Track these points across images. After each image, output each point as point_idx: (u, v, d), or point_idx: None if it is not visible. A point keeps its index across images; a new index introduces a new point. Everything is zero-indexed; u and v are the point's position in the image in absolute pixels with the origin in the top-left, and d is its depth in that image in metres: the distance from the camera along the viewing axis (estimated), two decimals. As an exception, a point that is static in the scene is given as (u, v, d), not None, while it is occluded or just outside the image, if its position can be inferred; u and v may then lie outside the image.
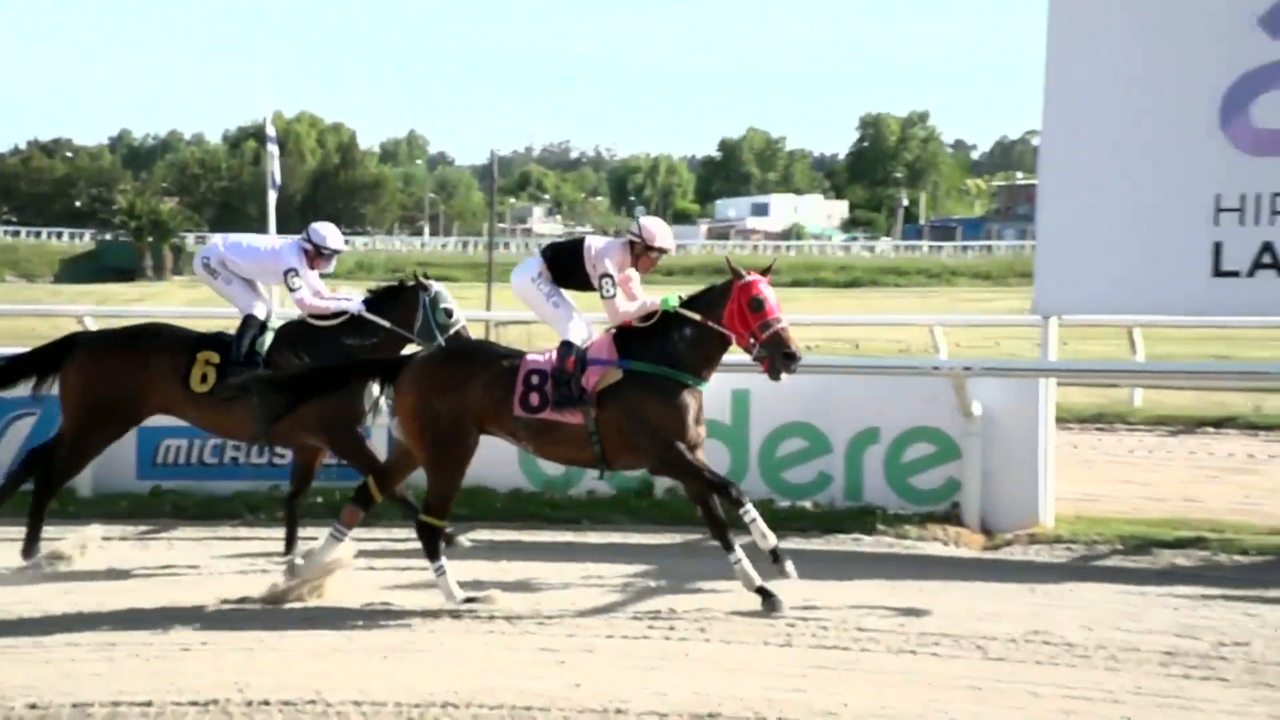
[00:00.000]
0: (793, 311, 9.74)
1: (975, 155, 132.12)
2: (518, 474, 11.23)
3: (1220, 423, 15.52)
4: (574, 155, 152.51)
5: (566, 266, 9.02)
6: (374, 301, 10.08)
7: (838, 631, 8.01)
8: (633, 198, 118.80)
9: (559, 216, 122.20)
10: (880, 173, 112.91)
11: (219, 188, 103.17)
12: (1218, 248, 10.52)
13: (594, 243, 9.06)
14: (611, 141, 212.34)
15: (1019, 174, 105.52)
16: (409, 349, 9.83)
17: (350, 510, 8.92)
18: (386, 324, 9.92)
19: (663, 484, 11.37)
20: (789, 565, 8.36)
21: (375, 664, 7.32)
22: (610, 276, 8.82)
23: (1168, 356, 17.90)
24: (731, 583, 8.79)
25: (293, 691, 6.71)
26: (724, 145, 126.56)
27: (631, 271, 8.91)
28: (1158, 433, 15.66)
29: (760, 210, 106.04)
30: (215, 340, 9.97)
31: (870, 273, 59.73)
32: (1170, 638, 7.81)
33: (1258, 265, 10.46)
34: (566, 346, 8.73)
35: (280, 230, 14.64)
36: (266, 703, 6.59)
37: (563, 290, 9.02)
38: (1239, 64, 10.40)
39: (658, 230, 9.05)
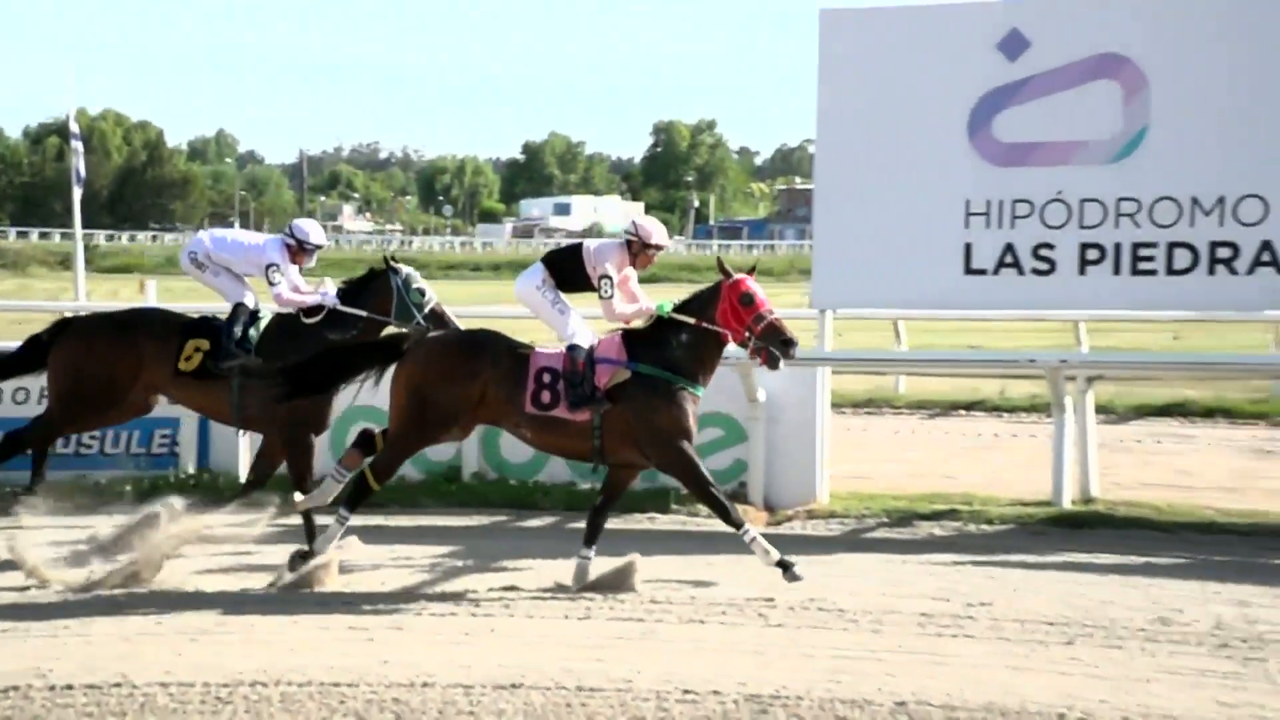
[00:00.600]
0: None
1: (759, 161, 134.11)
2: (329, 463, 11.09)
3: (971, 406, 16.08)
4: (383, 156, 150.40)
5: (568, 271, 8.92)
6: (348, 292, 9.91)
7: (634, 604, 8.16)
8: (441, 197, 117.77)
9: (369, 214, 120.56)
10: (673, 176, 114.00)
11: (20, 183, 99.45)
12: (968, 248, 10.97)
13: (591, 245, 9.01)
14: (419, 143, 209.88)
15: (798, 179, 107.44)
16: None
17: (351, 454, 8.83)
18: (364, 313, 9.75)
19: (469, 468, 11.41)
20: (797, 569, 8.32)
21: (184, 646, 7.20)
22: (609, 277, 8.75)
23: (928, 346, 18.36)
24: (534, 560, 8.93)
25: (98, 675, 6.58)
26: (527, 148, 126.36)
27: (629, 270, 8.85)
28: (919, 415, 16.16)
29: (563, 210, 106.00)
30: (206, 325, 9.83)
31: (666, 269, 59.93)
32: (927, 600, 8.15)
33: (1001, 264, 10.95)
34: (575, 349, 8.63)
35: (86, 226, 14.19)
36: (70, 687, 6.45)
37: (563, 295, 8.91)
38: (983, 84, 10.87)
39: (654, 229, 8.97)
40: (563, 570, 8.59)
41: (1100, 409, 12.89)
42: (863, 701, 6.39)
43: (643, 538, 9.72)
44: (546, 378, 8.54)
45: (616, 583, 8.42)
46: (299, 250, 10.03)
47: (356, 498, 8.64)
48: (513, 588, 8.54)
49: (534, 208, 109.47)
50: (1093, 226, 10.76)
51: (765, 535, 9.57)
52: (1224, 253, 10.43)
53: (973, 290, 11.03)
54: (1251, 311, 11.24)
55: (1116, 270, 10.67)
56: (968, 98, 10.91)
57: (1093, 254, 10.76)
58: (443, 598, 8.34)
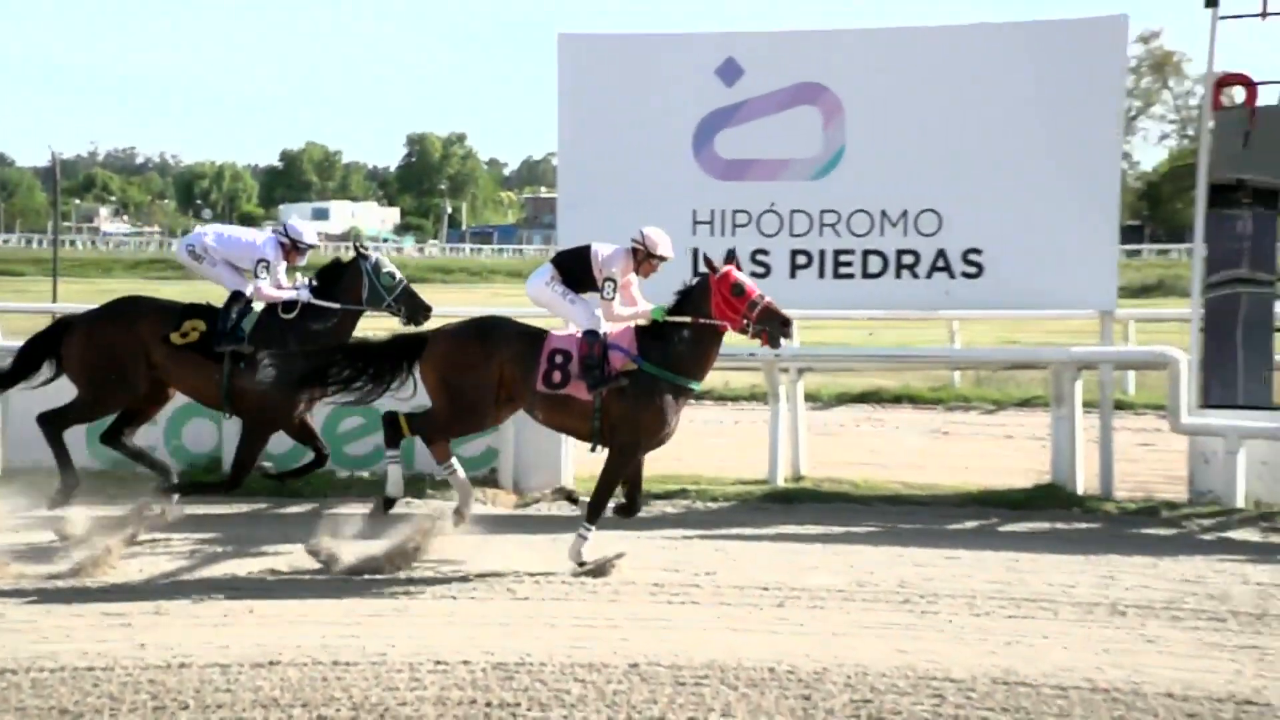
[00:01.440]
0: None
1: (507, 171, 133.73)
2: (84, 454, 10.67)
3: (699, 396, 16.32)
4: (139, 160, 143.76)
5: (575, 271, 8.85)
6: (321, 285, 9.73)
7: (389, 582, 8.16)
8: (199, 200, 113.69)
9: (126, 217, 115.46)
10: (427, 184, 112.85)
11: None
12: (695, 253, 11.21)
13: (600, 249, 8.86)
14: (177, 149, 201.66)
15: (543, 188, 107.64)
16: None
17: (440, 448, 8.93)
18: (337, 305, 9.60)
19: (229, 459, 11.16)
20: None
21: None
22: (613, 280, 8.69)
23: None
24: (293, 545, 8.78)
25: None
26: (285, 156, 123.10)
27: (632, 276, 8.78)
28: None
29: (321, 214, 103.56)
30: (203, 309, 9.61)
31: (421, 271, 59.48)
32: (659, 572, 8.38)
33: (794, 268, 11.21)
34: (592, 334, 8.59)
35: None
36: None
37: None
38: (704, 106, 11.13)
39: (659, 239, 8.86)
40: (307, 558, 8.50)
41: (809, 397, 13.34)
42: (600, 665, 6.55)
43: (401, 521, 9.67)
44: (559, 359, 8.55)
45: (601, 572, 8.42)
46: (292, 249, 9.90)
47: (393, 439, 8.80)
48: (273, 571, 8.42)
49: (293, 212, 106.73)
50: (801, 235, 11.11)
51: (514, 516, 9.71)
52: (908, 259, 10.90)
53: None
54: (930, 310, 11.79)
55: (821, 274, 11.04)
56: (692, 118, 11.15)
57: (801, 259, 11.10)
58: (202, 583, 8.15)
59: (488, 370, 8.60)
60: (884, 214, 10.92)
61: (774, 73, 11.01)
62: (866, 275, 10.91)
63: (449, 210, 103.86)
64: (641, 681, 6.34)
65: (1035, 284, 10.51)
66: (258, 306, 9.73)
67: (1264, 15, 10.26)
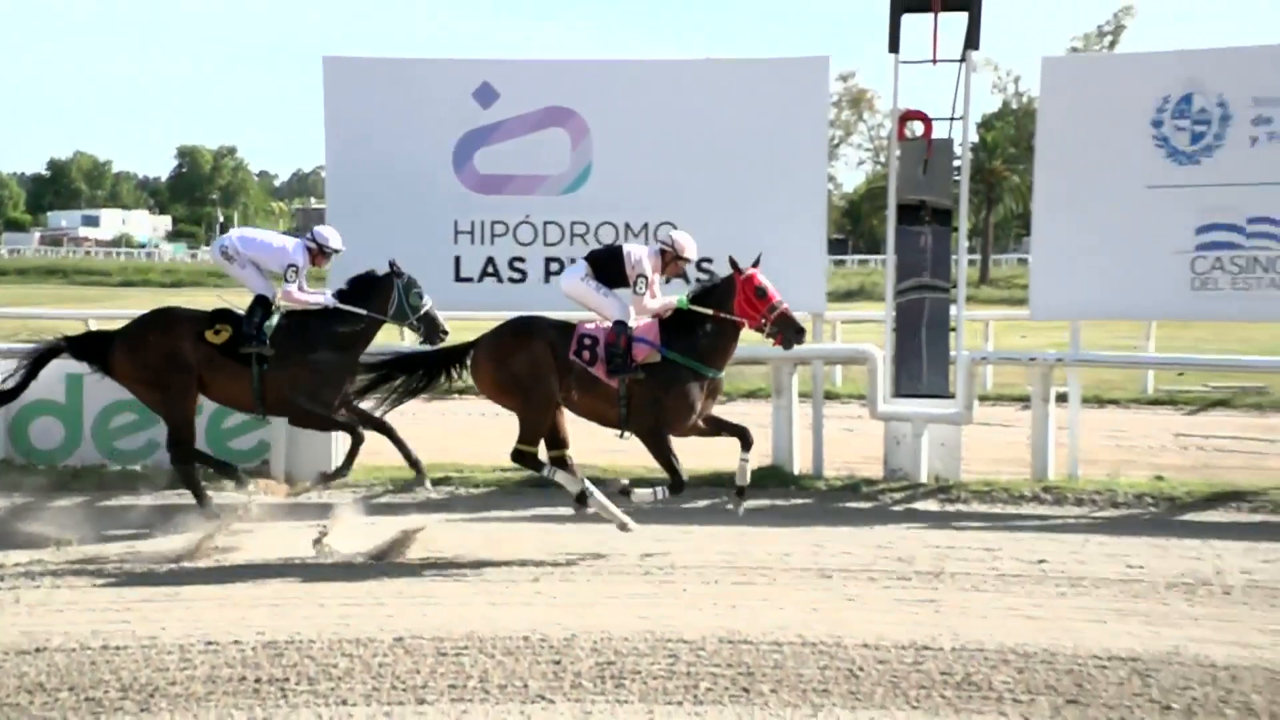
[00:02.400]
0: (127, 306, 9.37)
1: (277, 183, 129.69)
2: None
3: (464, 391, 16.16)
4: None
5: (608, 269, 8.73)
6: (348, 292, 9.42)
7: (161, 568, 7.94)
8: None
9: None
10: (198, 194, 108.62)
11: None
12: (457, 261, 11.21)
13: (632, 250, 8.79)
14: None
15: (313, 199, 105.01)
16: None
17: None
18: (364, 311, 9.32)
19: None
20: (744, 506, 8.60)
21: None
22: (645, 277, 8.63)
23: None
24: (69, 535, 8.42)
25: None
26: (53, 164, 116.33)
27: (657, 276, 8.70)
28: (424, 399, 16.06)
29: (91, 221, 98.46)
30: (227, 314, 9.34)
31: (194, 276, 57.54)
32: (424, 551, 8.34)
33: (484, 274, 11.26)
34: (620, 325, 8.54)
35: None
36: None
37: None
38: (463, 126, 11.15)
39: (686, 243, 8.84)
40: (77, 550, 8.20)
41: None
42: (366, 639, 6.52)
43: (172, 510, 9.39)
44: (588, 341, 8.54)
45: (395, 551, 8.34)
46: (319, 253, 9.65)
47: (539, 464, 8.66)
48: (39, 561, 8.04)
49: (63, 219, 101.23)
50: (554, 244, 11.21)
51: (285, 505, 9.45)
52: (647, 265, 11.18)
53: (462, 295, 11.22)
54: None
55: (573, 279, 11.19)
56: (451, 137, 11.14)
57: (554, 266, 11.16)
58: (-34, 575, 7.69)
59: (533, 352, 8.53)
60: (628, 226, 11.13)
61: (527, 97, 11.11)
62: (615, 281, 11.09)
63: (221, 219, 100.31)
64: (405, 654, 6.33)
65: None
66: (280, 309, 9.49)
67: (935, 62, 10.96)
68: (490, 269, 11.28)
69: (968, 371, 10.61)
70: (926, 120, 11.36)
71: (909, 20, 11.03)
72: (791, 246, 10.73)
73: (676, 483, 8.52)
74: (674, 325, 8.55)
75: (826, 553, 8.34)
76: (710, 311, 8.47)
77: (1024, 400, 12.90)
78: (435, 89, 11.15)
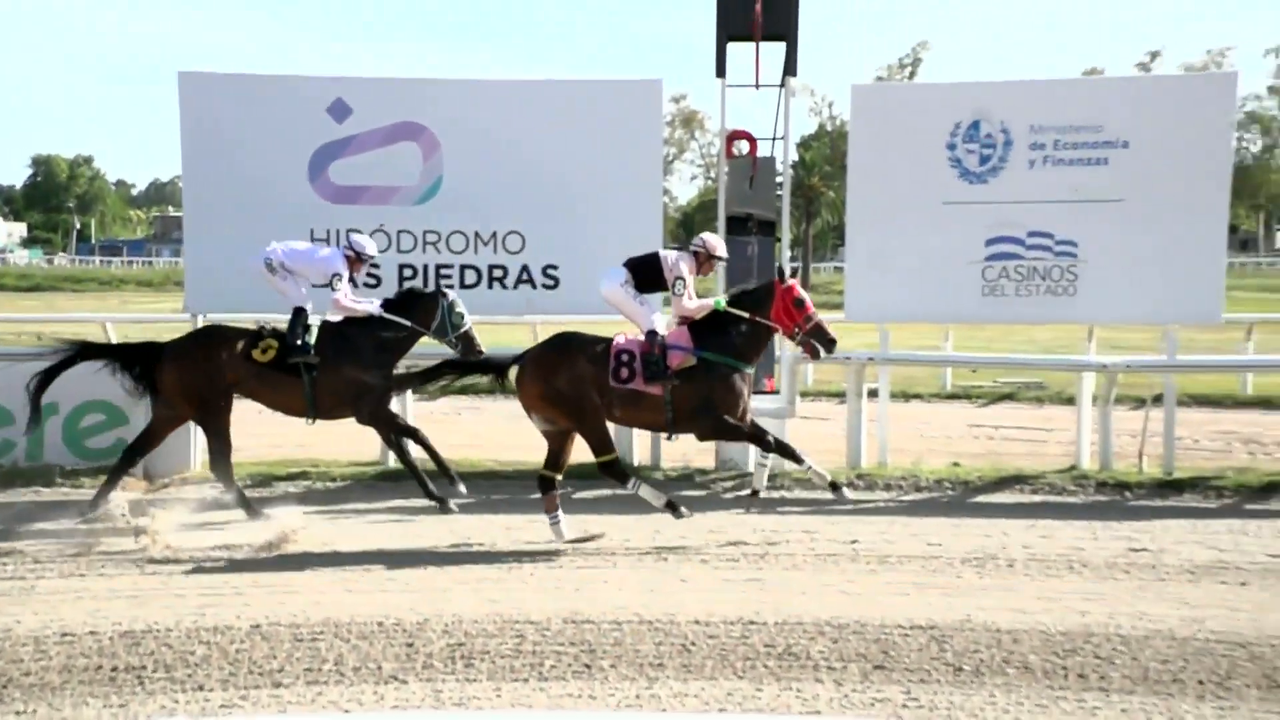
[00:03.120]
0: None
1: (135, 192, 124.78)
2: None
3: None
4: None
5: (647, 274, 8.62)
6: (393, 304, 9.50)
7: (16, 562, 7.63)
8: None
9: None
10: (54, 201, 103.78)
11: None
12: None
13: (668, 255, 8.69)
14: None
15: (170, 207, 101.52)
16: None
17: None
18: (409, 323, 9.36)
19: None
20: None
21: None
22: (683, 279, 8.53)
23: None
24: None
25: None
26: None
27: (691, 277, 8.61)
28: None
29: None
30: (272, 332, 9.29)
31: (50, 280, 55.12)
32: (281, 543, 8.17)
33: (402, 279, 11.03)
34: (652, 335, 8.40)
35: None
36: None
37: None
38: (318, 139, 10.93)
39: (717, 243, 8.84)
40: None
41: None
42: (224, 627, 6.37)
43: (31, 509, 9.00)
44: (625, 358, 8.37)
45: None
46: (356, 260, 9.58)
47: (623, 475, 8.52)
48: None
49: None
50: (407, 251, 11.06)
51: (149, 499, 9.14)
52: (498, 273, 11.09)
53: (319, 300, 11.00)
54: (517, 315, 12.02)
55: (426, 284, 10.98)
56: (306, 150, 10.92)
57: (408, 272, 11.04)
58: None
59: (575, 370, 8.36)
60: (477, 235, 11.06)
61: (379, 112, 10.95)
62: (464, 286, 10.98)
63: (78, 226, 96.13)
64: (262, 640, 6.21)
65: (598, 292, 10.87)
66: (314, 320, 9.38)
67: (758, 86, 11.18)
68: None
69: (791, 370, 10.85)
70: (751, 140, 11.57)
71: (734, 48, 11.22)
72: (630, 253, 10.84)
73: (763, 444, 8.38)
74: (706, 327, 8.44)
75: (663, 538, 8.44)
76: (746, 314, 8.42)
77: (840, 395, 13.27)
78: (290, 104, 10.91)
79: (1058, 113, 10.91)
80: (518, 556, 7.96)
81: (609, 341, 8.47)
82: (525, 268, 11.08)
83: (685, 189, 58.76)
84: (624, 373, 8.36)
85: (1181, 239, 10.73)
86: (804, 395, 11.89)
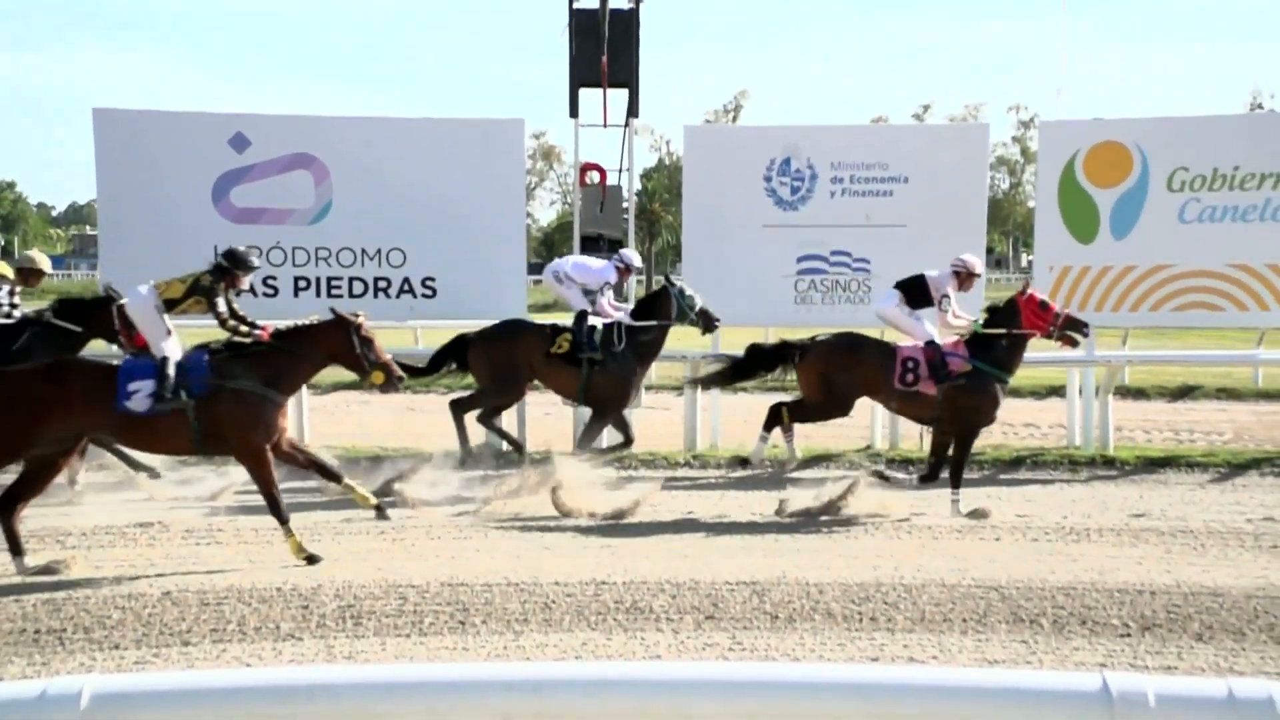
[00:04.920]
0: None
1: (55, 213, 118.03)
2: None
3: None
4: None
5: (916, 293, 8.58)
6: (642, 307, 9.48)
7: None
8: None
9: None
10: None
11: None
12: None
13: (932, 276, 8.62)
14: None
15: (88, 227, 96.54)
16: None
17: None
18: (654, 322, 9.39)
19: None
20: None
21: None
22: (948, 297, 8.51)
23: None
24: None
25: None
26: None
27: (954, 293, 8.59)
28: None
29: None
30: (566, 328, 9.36)
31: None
32: (193, 519, 7.79)
33: (297, 289, 10.72)
34: (933, 344, 8.39)
35: None
36: None
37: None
38: (220, 167, 10.60)
39: (977, 262, 8.78)
40: None
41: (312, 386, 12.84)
42: (137, 594, 6.09)
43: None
44: (910, 364, 8.30)
45: None
46: (625, 271, 9.72)
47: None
48: None
49: None
50: (302, 265, 10.77)
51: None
52: (383, 284, 10.88)
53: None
54: (400, 321, 11.81)
55: (318, 294, 10.73)
56: (210, 177, 10.59)
57: (303, 284, 10.76)
58: None
59: (856, 372, 8.21)
60: (364, 251, 10.83)
61: (275, 144, 10.66)
62: (352, 295, 10.74)
63: (2, 243, 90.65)
64: (173, 605, 5.95)
65: (471, 300, 10.71)
66: (596, 321, 9.40)
67: (605, 125, 11.24)
68: (303, 284, 10.77)
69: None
70: (601, 171, 11.61)
71: (586, 93, 11.24)
72: (499, 268, 10.78)
73: (957, 480, 8.35)
74: (974, 342, 8.36)
75: (527, 512, 8.34)
76: (1002, 331, 8.28)
77: (679, 389, 13.35)
78: (195, 137, 10.56)
79: (853, 152, 11.23)
80: (400, 529, 7.77)
81: (894, 349, 8.45)
82: (407, 279, 10.86)
83: (545, 213, 58.65)
84: (910, 377, 8.35)
85: (950, 257, 11.13)
86: (649, 389, 11.94)
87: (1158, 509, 8.47)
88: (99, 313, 8.53)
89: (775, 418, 8.67)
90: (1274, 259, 10.99)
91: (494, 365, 9.28)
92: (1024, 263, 55.08)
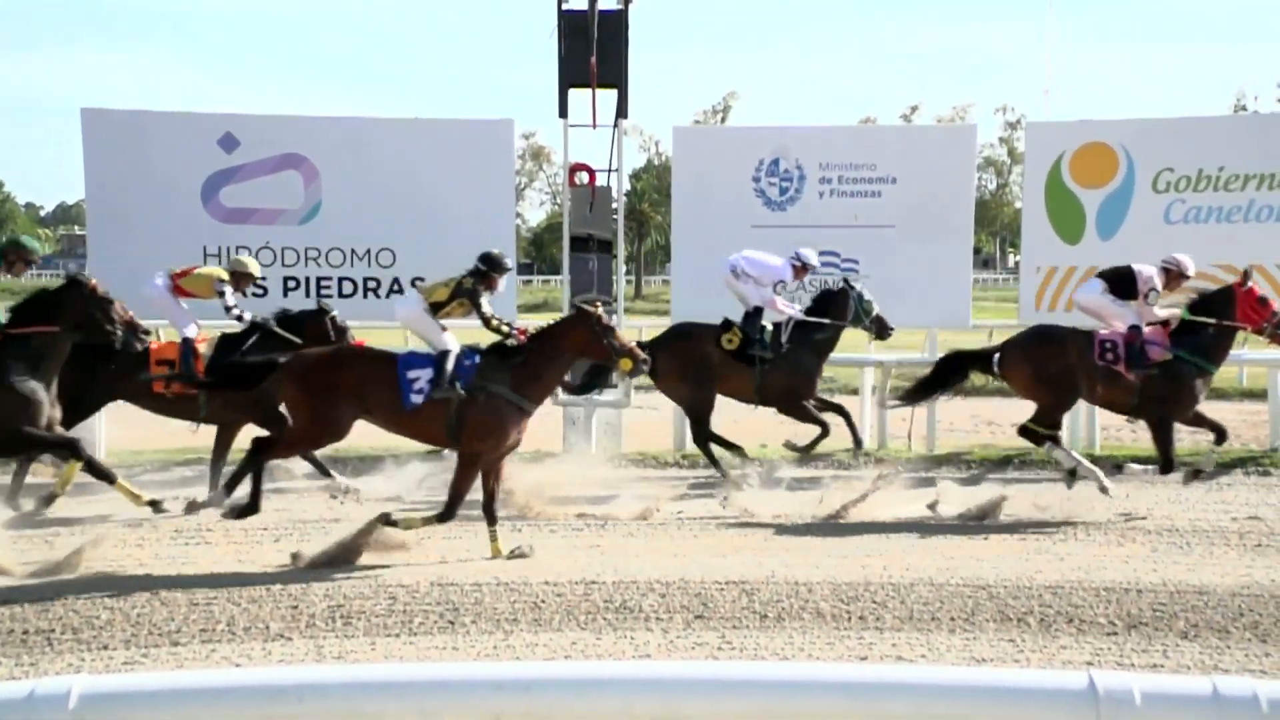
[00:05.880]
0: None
1: (43, 213, 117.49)
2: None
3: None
4: None
5: (1124, 285, 8.49)
6: (815, 306, 9.44)
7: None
8: None
9: None
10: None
11: None
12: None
13: (1142, 269, 8.50)
14: None
15: (77, 227, 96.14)
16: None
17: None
18: (828, 320, 9.35)
19: None
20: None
21: None
22: (1155, 291, 8.42)
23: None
24: None
25: None
26: None
27: (1157, 291, 8.46)
28: None
29: None
30: (731, 324, 9.30)
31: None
32: (179, 520, 7.76)
33: (286, 290, 10.72)
34: (1136, 329, 8.30)
35: None
36: None
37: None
38: (210, 167, 10.63)
39: (1188, 263, 8.62)
40: None
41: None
42: (126, 594, 5.99)
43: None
44: (1108, 345, 8.30)
45: None
46: (802, 269, 9.65)
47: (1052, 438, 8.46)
48: None
49: None
50: (291, 266, 10.79)
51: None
52: (372, 284, 10.91)
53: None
54: (390, 321, 11.78)
55: (308, 294, 10.72)
56: (200, 177, 10.62)
57: (292, 284, 10.77)
58: None
59: (1068, 360, 8.32)
60: (353, 251, 10.86)
61: (264, 145, 10.67)
62: (342, 295, 10.74)
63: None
64: (161, 605, 5.93)
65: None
66: (767, 320, 9.31)
67: (595, 126, 11.24)
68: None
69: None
70: (591, 171, 11.59)
71: (575, 94, 11.22)
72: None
73: (1167, 465, 8.33)
74: (1178, 330, 8.28)
75: (505, 511, 8.26)
76: (1211, 320, 8.23)
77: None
78: (184, 137, 10.58)
79: (841, 153, 11.25)
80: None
81: (1092, 335, 8.45)
82: (396, 280, 10.86)
83: (535, 213, 58.61)
84: (1109, 356, 8.33)
85: (938, 258, 11.19)
86: (636, 389, 11.92)
87: (1144, 508, 8.50)
88: (314, 324, 8.83)
89: (1032, 436, 8.56)
90: (1259, 260, 11.05)
91: (680, 366, 9.20)
92: (1010, 263, 55.26)
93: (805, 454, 9.46)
